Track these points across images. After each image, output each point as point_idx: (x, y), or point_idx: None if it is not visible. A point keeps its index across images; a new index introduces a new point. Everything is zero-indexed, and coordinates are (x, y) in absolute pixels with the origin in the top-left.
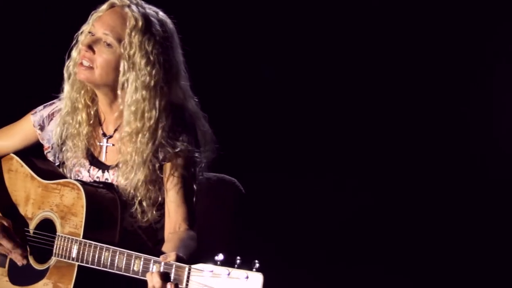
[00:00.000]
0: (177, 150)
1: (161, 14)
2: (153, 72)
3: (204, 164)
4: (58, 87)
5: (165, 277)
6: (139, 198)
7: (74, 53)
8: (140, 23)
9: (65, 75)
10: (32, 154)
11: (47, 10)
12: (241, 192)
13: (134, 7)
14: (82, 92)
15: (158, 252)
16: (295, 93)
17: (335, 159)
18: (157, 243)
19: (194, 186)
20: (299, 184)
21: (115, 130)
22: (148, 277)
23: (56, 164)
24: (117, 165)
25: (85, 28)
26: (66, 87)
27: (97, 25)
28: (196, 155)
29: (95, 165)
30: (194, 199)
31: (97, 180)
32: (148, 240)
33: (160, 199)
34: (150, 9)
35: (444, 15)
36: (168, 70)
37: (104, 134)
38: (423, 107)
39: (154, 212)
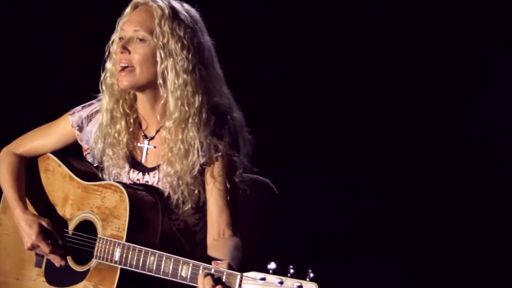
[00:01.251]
0: (220, 154)
1: (186, 4)
2: (190, 55)
3: (243, 167)
4: (95, 87)
5: (217, 281)
6: (181, 187)
7: (108, 65)
8: (167, 11)
9: (103, 88)
10: (68, 154)
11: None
12: (274, 193)
13: (158, 0)
14: (121, 101)
15: (197, 257)
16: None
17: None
18: (195, 245)
19: (237, 191)
20: (331, 183)
21: (157, 131)
22: (199, 279)
23: (95, 165)
24: (158, 167)
25: (115, 36)
26: (105, 99)
27: (125, 27)
28: (237, 159)
29: (135, 168)
30: (237, 204)
31: (137, 182)
32: (186, 243)
33: (200, 196)
34: (174, 0)
35: (455, 16)
36: (202, 52)
37: (146, 136)
38: (432, 107)
39: (193, 203)
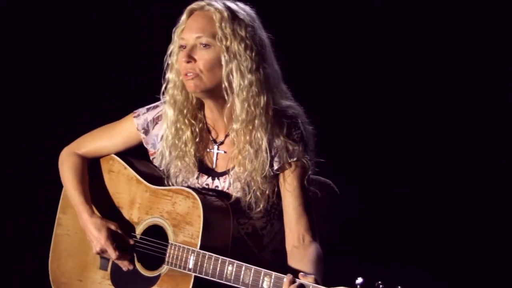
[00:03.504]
0: (294, 159)
1: (238, 2)
2: (253, 54)
3: (313, 171)
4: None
5: None
6: (253, 188)
7: (170, 75)
8: (225, 14)
9: (166, 99)
10: (131, 155)
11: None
12: (336, 194)
13: (213, 3)
14: (184, 111)
15: (264, 260)
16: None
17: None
18: (262, 249)
19: (310, 195)
20: (392, 183)
21: (226, 136)
22: (285, 284)
23: (161, 168)
24: (228, 171)
25: (172, 47)
26: (168, 112)
27: (185, 35)
28: (310, 163)
29: (204, 172)
30: (312, 208)
31: (206, 187)
32: (254, 247)
33: (269, 199)
34: (227, 1)
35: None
36: (264, 49)
37: (215, 141)
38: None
39: (265, 203)
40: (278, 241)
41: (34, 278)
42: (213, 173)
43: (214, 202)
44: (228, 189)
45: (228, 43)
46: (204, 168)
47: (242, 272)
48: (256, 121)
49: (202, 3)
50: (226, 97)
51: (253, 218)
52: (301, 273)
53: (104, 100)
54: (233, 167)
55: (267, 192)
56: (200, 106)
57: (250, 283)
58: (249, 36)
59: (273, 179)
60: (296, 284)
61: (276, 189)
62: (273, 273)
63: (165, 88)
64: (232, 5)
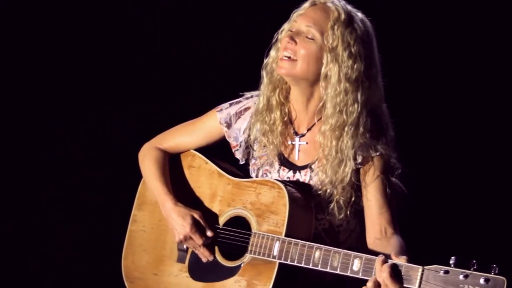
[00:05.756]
0: (377, 154)
1: (361, 13)
2: (355, 65)
3: (399, 169)
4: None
5: (394, 270)
6: (337, 196)
7: (272, 52)
8: (342, 17)
9: (263, 73)
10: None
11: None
12: (404, 193)
13: (336, 2)
14: (277, 90)
15: None
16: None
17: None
18: (338, 245)
19: (394, 190)
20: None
21: (309, 129)
22: (377, 263)
23: (242, 162)
24: (310, 166)
25: (286, 26)
26: (263, 84)
27: (299, 20)
28: (394, 160)
29: (285, 166)
30: (395, 202)
31: (287, 180)
32: (331, 243)
33: (353, 199)
34: (351, 6)
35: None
36: (368, 66)
37: (296, 133)
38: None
39: (348, 210)
40: (354, 239)
41: (104, 275)
42: (294, 166)
43: (298, 194)
44: (309, 181)
45: (334, 44)
46: (285, 161)
47: (331, 256)
48: (345, 129)
49: None
50: (316, 93)
51: (330, 214)
52: (393, 253)
53: (182, 99)
54: (314, 161)
55: (348, 194)
56: (288, 95)
57: (339, 266)
58: (356, 47)
59: (355, 175)
60: (389, 264)
61: (355, 186)
62: (364, 255)
63: (266, 62)
64: (352, 12)
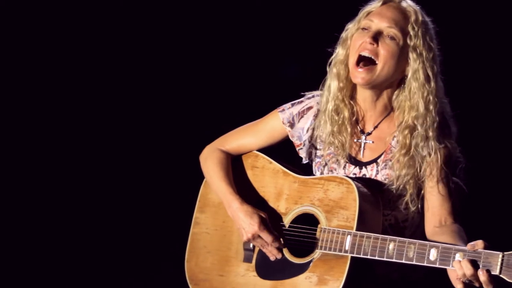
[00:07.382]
0: (442, 146)
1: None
2: (434, 64)
3: (464, 165)
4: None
5: (474, 264)
6: (410, 190)
7: (341, 50)
8: (420, 17)
9: (330, 71)
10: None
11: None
12: (464, 192)
13: (410, 2)
14: (344, 90)
15: None
16: None
17: None
18: None
19: (457, 183)
20: None
21: (375, 127)
22: (456, 266)
23: (305, 161)
24: (376, 161)
25: (351, 25)
26: (329, 84)
27: (375, 19)
28: (459, 154)
29: (350, 162)
30: (457, 196)
31: (353, 176)
32: None
33: (422, 191)
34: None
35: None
36: (440, 63)
37: (362, 132)
38: None
39: (419, 203)
40: (418, 236)
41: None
42: (360, 163)
43: (365, 190)
44: (375, 176)
45: (417, 43)
46: (350, 158)
47: (405, 247)
48: (424, 124)
49: None
50: (383, 92)
51: (396, 209)
52: (470, 244)
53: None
54: (380, 156)
55: (418, 187)
56: (353, 94)
57: (414, 257)
58: (434, 46)
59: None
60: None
61: (423, 178)
62: (440, 244)
63: (332, 60)
64: (423, 12)
